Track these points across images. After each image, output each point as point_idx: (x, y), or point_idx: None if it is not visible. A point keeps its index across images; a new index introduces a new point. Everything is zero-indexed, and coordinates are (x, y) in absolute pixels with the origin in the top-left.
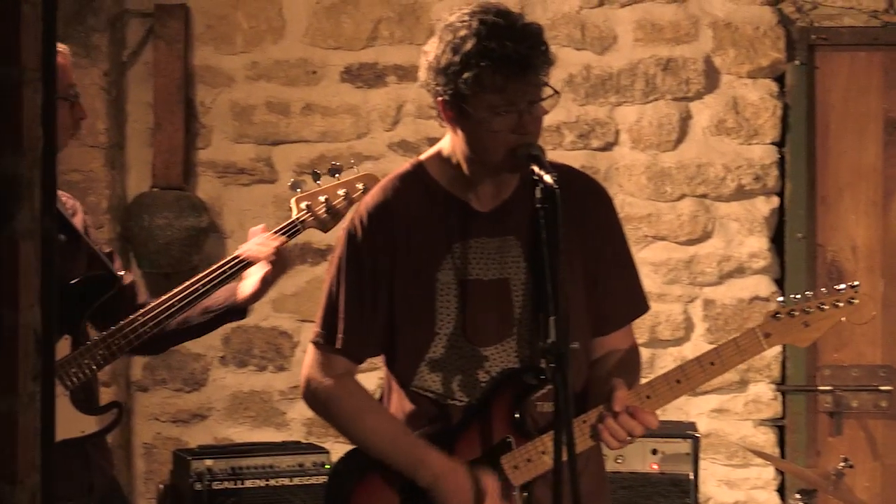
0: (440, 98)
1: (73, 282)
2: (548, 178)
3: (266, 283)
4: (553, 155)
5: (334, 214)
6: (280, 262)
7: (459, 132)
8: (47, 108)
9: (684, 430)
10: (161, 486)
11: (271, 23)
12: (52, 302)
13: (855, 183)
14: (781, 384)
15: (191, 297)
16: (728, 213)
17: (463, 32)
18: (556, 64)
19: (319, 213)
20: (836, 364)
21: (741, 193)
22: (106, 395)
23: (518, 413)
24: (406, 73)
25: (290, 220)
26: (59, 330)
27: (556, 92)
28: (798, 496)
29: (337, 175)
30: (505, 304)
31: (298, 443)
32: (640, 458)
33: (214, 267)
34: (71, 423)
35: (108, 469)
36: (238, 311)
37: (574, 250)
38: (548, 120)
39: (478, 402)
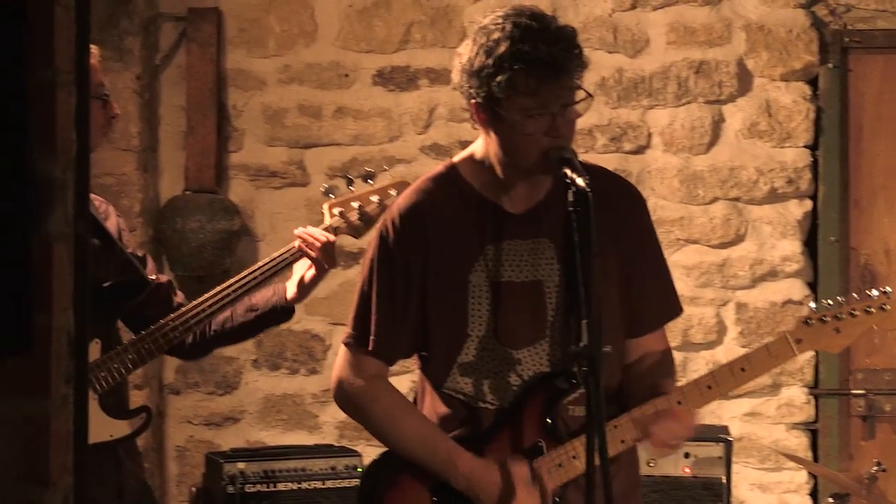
0: (473, 100)
1: (103, 285)
2: (580, 182)
3: (304, 286)
4: (585, 158)
5: (367, 221)
6: (327, 257)
7: (492, 134)
8: (81, 110)
9: (717, 434)
10: (193, 489)
11: (303, 26)
12: (86, 305)
13: (888, 186)
14: (814, 388)
15: (223, 301)
16: (761, 217)
17: (496, 35)
18: (589, 67)
19: (352, 219)
20: (868, 368)
21: (774, 196)
22: (139, 398)
23: (550, 417)
24: (438, 77)
25: (322, 227)
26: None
27: (590, 95)
28: (831, 500)
29: (370, 181)
30: (538, 306)
31: (331, 446)
32: (673, 462)
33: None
34: (100, 426)
35: (138, 473)
36: (285, 310)
37: (607, 253)
38: (580, 123)
39: (510, 406)
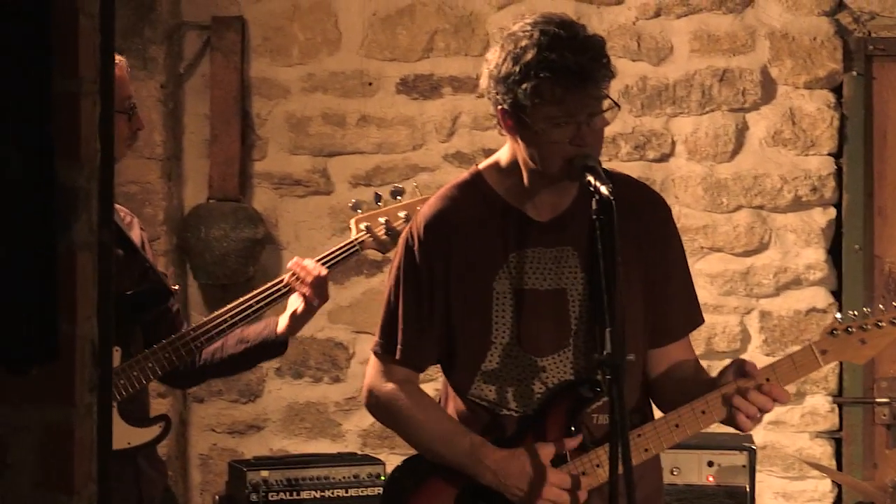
0: (500, 107)
1: (126, 293)
2: (604, 190)
3: (298, 318)
4: (609, 166)
5: (394, 236)
6: (315, 294)
7: (519, 141)
8: (105, 119)
9: (740, 442)
10: (217, 497)
11: (327, 35)
12: (109, 314)
13: None
14: (838, 396)
15: (245, 313)
16: (785, 225)
17: (524, 42)
18: (615, 76)
19: (378, 234)
20: (893, 376)
21: (798, 205)
22: (161, 406)
23: (573, 426)
24: (461, 85)
25: (348, 241)
26: None
27: (616, 104)
28: None
29: (399, 197)
30: (561, 314)
31: (354, 454)
32: (696, 471)
33: (267, 285)
34: (119, 434)
35: (160, 481)
36: (275, 344)
37: (632, 261)
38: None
39: (533, 414)
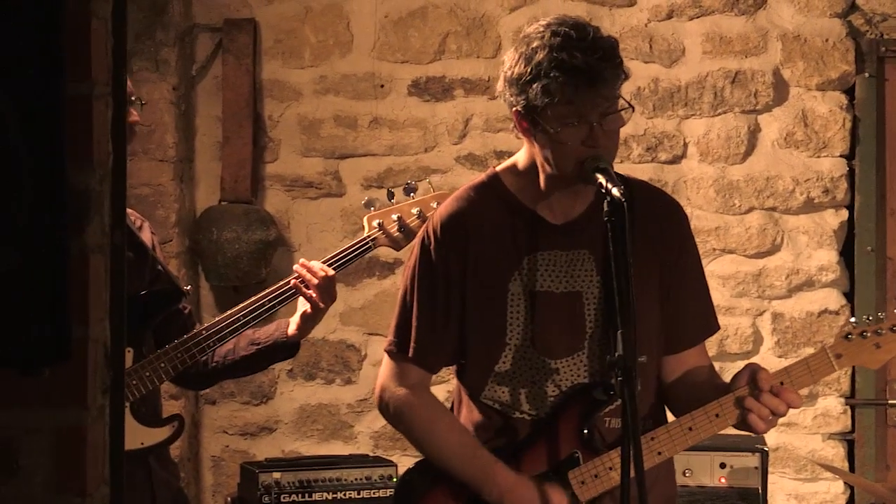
0: (514, 109)
1: (137, 295)
2: (615, 192)
3: (307, 319)
4: (621, 168)
5: (407, 233)
6: (323, 295)
7: (534, 143)
8: (117, 122)
9: (753, 444)
10: (229, 498)
11: (339, 37)
12: (122, 316)
13: None
14: (851, 398)
15: (256, 312)
16: (797, 226)
17: (536, 43)
18: (629, 78)
19: (391, 231)
20: None
21: (810, 206)
22: (174, 408)
23: (586, 429)
24: (473, 87)
25: (361, 238)
26: None
27: (630, 106)
28: None
29: (412, 194)
30: (576, 317)
31: (366, 456)
32: (709, 472)
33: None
34: (132, 434)
35: (173, 482)
36: (287, 345)
37: (647, 265)
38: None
39: (546, 417)
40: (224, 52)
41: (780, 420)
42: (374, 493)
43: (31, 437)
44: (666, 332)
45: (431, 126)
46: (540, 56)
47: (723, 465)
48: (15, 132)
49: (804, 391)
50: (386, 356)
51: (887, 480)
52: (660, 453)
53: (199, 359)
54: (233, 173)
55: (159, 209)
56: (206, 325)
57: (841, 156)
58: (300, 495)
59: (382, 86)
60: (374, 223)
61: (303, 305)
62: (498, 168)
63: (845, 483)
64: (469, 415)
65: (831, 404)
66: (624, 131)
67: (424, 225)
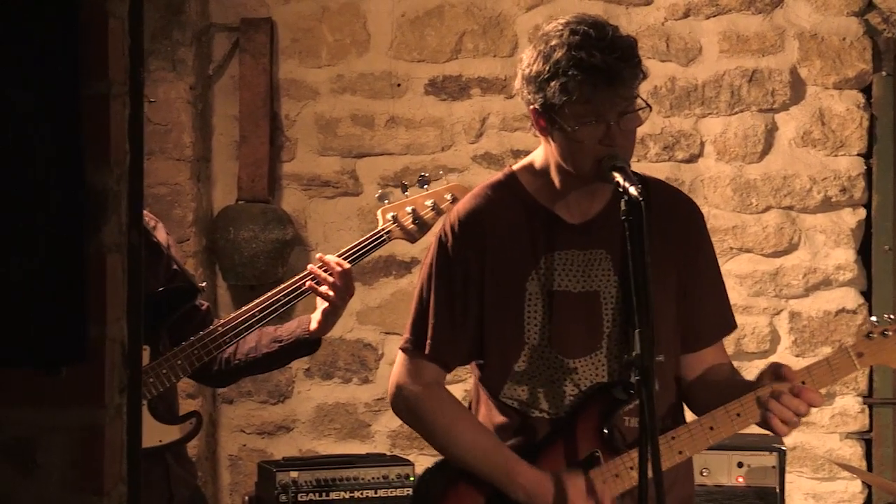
0: (532, 107)
1: (152, 292)
2: (632, 190)
3: (327, 315)
4: (638, 167)
5: (421, 225)
6: (340, 291)
7: (551, 142)
8: (134, 121)
9: (770, 443)
10: (246, 497)
11: (356, 36)
12: (139, 315)
13: None
14: (868, 397)
15: (272, 308)
16: (814, 225)
17: (554, 42)
18: (647, 77)
19: (406, 223)
20: None
21: (827, 205)
22: (191, 407)
23: (606, 428)
24: (490, 86)
25: (375, 231)
26: None
27: (648, 105)
28: None
29: (426, 186)
30: (594, 316)
31: (383, 455)
32: (726, 471)
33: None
34: (149, 432)
35: (190, 480)
36: (308, 342)
37: (665, 265)
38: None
39: (565, 416)
40: (241, 51)
41: None
42: (391, 493)
43: (49, 435)
44: (684, 330)
45: (448, 125)
46: (558, 54)
47: (740, 465)
48: (33, 132)
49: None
50: (400, 353)
51: None
52: (681, 452)
53: (217, 355)
54: (250, 172)
55: (176, 208)
56: (222, 321)
57: (858, 154)
58: (317, 494)
59: (399, 85)
60: (389, 216)
61: (322, 302)
62: (515, 167)
63: (863, 482)
64: (488, 414)
65: (849, 403)
66: (641, 130)
67: (442, 223)
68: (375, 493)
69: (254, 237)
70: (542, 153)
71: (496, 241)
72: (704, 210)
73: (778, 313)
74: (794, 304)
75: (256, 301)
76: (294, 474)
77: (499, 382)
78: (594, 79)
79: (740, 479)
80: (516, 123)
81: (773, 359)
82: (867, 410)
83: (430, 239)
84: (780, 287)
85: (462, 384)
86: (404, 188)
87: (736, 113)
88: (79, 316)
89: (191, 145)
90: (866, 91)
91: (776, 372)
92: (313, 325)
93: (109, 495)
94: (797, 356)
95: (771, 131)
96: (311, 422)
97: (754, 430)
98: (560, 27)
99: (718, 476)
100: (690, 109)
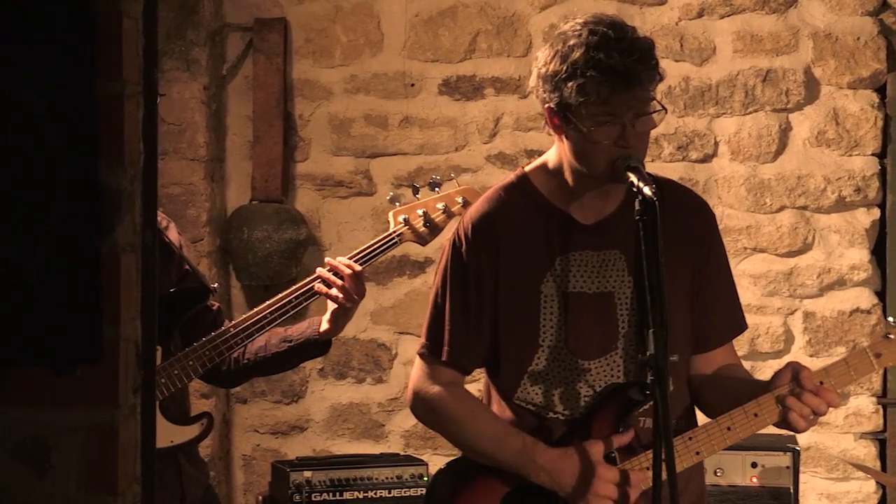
0: (547, 105)
1: (165, 293)
2: (646, 190)
3: (338, 317)
4: (652, 166)
5: (433, 228)
6: (350, 293)
7: (565, 141)
8: (148, 121)
9: (784, 443)
10: (260, 497)
11: (369, 36)
12: (153, 315)
13: None
14: (883, 397)
15: (284, 309)
16: (828, 225)
17: (572, 41)
18: (663, 79)
19: (417, 226)
20: None
21: (841, 205)
22: (204, 407)
23: (622, 429)
24: (504, 86)
25: (386, 234)
26: None
27: (664, 108)
28: None
29: (437, 189)
30: (608, 317)
31: (397, 455)
32: (740, 472)
33: (306, 281)
34: (161, 432)
35: (202, 480)
36: (319, 343)
37: (677, 265)
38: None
39: (581, 417)
40: (255, 51)
41: None
42: (405, 493)
43: (63, 435)
44: (695, 331)
45: (462, 125)
46: (577, 54)
47: (754, 465)
48: (47, 132)
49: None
50: (418, 359)
51: None
52: (698, 453)
53: (228, 356)
54: (263, 172)
55: (190, 208)
56: (234, 321)
57: (872, 154)
58: (331, 494)
59: (413, 85)
60: (400, 218)
61: (333, 303)
62: (527, 168)
63: (877, 482)
64: (501, 415)
65: (863, 404)
66: (655, 130)
67: (455, 227)
68: (389, 493)
69: (267, 237)
70: (555, 154)
71: (510, 243)
72: (718, 210)
73: (792, 313)
74: (809, 304)
75: (268, 302)
76: (308, 474)
77: (512, 384)
78: (612, 80)
79: (754, 480)
80: (530, 123)
81: (787, 359)
82: (881, 411)
83: (441, 241)
84: (795, 287)
85: (476, 384)
86: (415, 190)
87: (750, 113)
88: (93, 316)
89: (205, 145)
90: (881, 91)
91: (795, 372)
92: (324, 326)
93: (123, 495)
94: (811, 356)
95: (785, 131)
96: (325, 422)
97: (768, 430)
98: (578, 27)
99: (732, 476)
100: (704, 109)
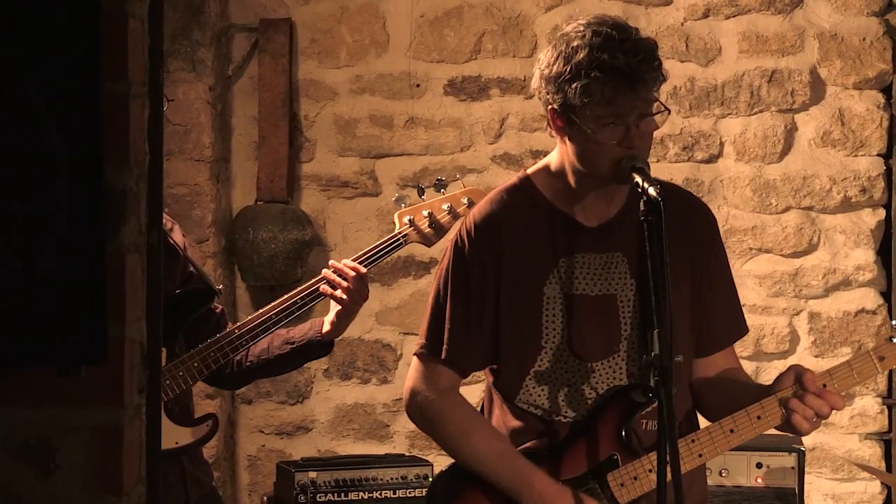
0: (550, 106)
1: (169, 294)
2: (652, 191)
3: (341, 318)
4: (657, 167)
5: (438, 229)
6: (354, 295)
7: (568, 142)
8: (154, 122)
9: (789, 444)
10: (265, 497)
11: (375, 37)
12: (158, 316)
13: None
14: (888, 398)
15: (289, 311)
16: (834, 226)
17: (576, 43)
18: (667, 79)
19: (422, 227)
20: None
21: (847, 205)
22: (209, 407)
23: (624, 431)
24: (509, 86)
25: (391, 235)
26: None
27: (667, 109)
28: None
29: (442, 190)
30: (611, 319)
31: (402, 455)
32: (745, 472)
33: (310, 282)
34: (165, 434)
35: (205, 481)
36: (321, 344)
37: (679, 268)
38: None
39: (584, 419)
40: (260, 51)
41: None
42: (409, 493)
43: (68, 436)
44: (697, 334)
45: (467, 125)
46: (581, 56)
47: (759, 465)
48: (52, 132)
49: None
50: (415, 359)
51: None
52: (701, 455)
53: (232, 357)
54: (269, 173)
55: (196, 209)
56: (238, 323)
57: (878, 155)
58: (336, 495)
59: (418, 85)
60: (405, 220)
61: (336, 305)
62: (529, 170)
63: (882, 483)
64: (503, 418)
65: (868, 404)
66: (660, 131)
67: (457, 228)
68: (394, 493)
69: (273, 238)
70: (557, 156)
71: (512, 245)
72: (724, 210)
73: (797, 314)
74: (814, 304)
75: (273, 304)
76: (313, 475)
77: (514, 387)
78: (616, 81)
79: (759, 480)
80: (535, 124)
81: (792, 359)
82: (886, 411)
83: (446, 242)
84: (800, 287)
85: (481, 385)
86: (421, 192)
87: (755, 113)
88: (98, 316)
89: (210, 146)
90: (886, 91)
91: (798, 375)
92: (326, 328)
93: (128, 496)
94: (816, 357)
95: (791, 131)
96: (330, 422)
97: (773, 431)
98: (581, 28)
99: (737, 477)
100: (710, 110)
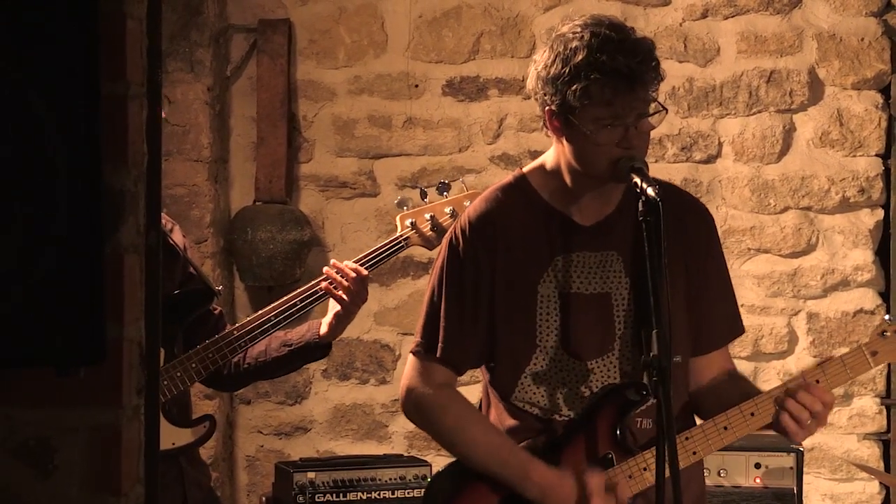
0: (547, 108)
1: (168, 295)
2: (650, 191)
3: (339, 320)
4: (655, 167)
5: (440, 232)
6: (354, 296)
7: (564, 143)
8: (152, 122)
9: (788, 444)
10: (263, 498)
11: (373, 37)
12: (157, 316)
13: None
14: (886, 398)
15: (288, 312)
16: (832, 226)
17: (574, 44)
18: (664, 79)
19: (424, 230)
20: None
21: (845, 206)
22: (208, 408)
23: (619, 429)
24: (508, 87)
25: (393, 237)
26: None
27: (664, 108)
28: None
29: (445, 193)
30: (606, 318)
31: (400, 456)
32: (744, 472)
33: (309, 284)
34: (163, 435)
35: (203, 482)
36: (319, 346)
37: (676, 268)
38: (651, 132)
39: (579, 418)
40: (258, 52)
41: None
42: (408, 493)
43: (66, 436)
44: (693, 334)
45: (465, 126)
46: (579, 57)
47: (758, 466)
48: (50, 132)
49: (839, 391)
50: (411, 357)
51: None
52: (695, 453)
53: (231, 359)
54: (267, 173)
55: (194, 209)
56: (237, 325)
57: (876, 155)
58: (334, 495)
59: (417, 86)
60: (407, 222)
61: (334, 306)
62: (525, 169)
63: (881, 483)
64: (499, 417)
65: (867, 404)
66: (659, 131)
67: (452, 226)
68: (392, 493)
69: (271, 238)
70: (553, 155)
71: (508, 243)
72: (722, 211)
73: (796, 314)
74: (812, 304)
75: (271, 306)
76: (311, 475)
77: (510, 385)
78: (615, 82)
79: (758, 480)
80: (534, 124)
81: (790, 360)
82: (885, 411)
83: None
84: (798, 288)
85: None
86: (423, 194)
87: (754, 113)
88: (97, 316)
89: (208, 146)
90: (885, 91)
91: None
92: (324, 329)
93: (127, 496)
94: (815, 357)
95: (789, 132)
96: (329, 423)
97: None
98: (578, 29)
99: (736, 477)
100: (708, 110)
